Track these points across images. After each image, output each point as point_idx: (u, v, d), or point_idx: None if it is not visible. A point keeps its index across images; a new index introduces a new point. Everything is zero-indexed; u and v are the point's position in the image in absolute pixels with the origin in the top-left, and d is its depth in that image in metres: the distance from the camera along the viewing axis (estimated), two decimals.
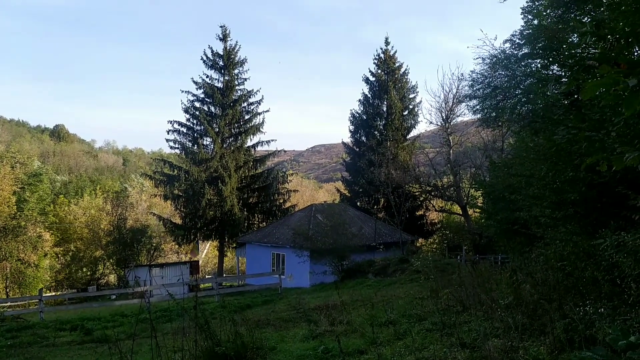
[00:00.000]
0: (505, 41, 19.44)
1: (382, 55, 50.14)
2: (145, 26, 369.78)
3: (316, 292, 25.88)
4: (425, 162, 49.87)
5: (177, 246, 54.95)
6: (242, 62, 47.47)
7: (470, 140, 49.63)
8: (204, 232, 45.84)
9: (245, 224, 46.14)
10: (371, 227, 38.23)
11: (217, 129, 46.01)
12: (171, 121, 45.51)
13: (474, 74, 24.15)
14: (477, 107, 24.09)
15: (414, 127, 51.26)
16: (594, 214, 9.97)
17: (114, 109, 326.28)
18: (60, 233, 51.14)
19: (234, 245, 46.47)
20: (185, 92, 46.30)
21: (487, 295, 8.58)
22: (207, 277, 47.53)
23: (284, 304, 19.19)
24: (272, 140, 48.39)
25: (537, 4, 15.91)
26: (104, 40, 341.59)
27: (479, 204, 33.45)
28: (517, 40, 18.24)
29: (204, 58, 46.66)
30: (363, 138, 50.06)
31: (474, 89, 23.79)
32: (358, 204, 48.21)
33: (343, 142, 54.21)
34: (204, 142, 45.78)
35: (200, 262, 52.30)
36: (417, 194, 46.85)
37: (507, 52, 19.22)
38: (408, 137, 51.03)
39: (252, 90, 47.82)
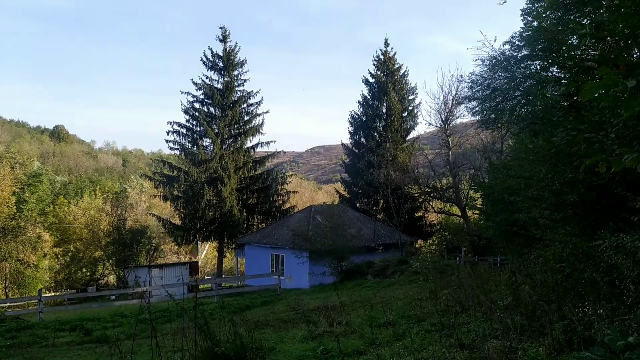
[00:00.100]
0: (505, 43, 19.46)
1: (381, 56, 50.17)
2: (145, 27, 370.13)
3: (315, 293, 25.88)
4: (425, 163, 49.85)
5: (176, 247, 54.95)
6: (241, 63, 47.50)
7: (469, 141, 49.62)
8: (203, 233, 45.82)
9: (245, 225, 46.12)
10: (370, 228, 38.24)
11: (217, 130, 46.02)
12: (171, 122, 45.53)
13: (473, 76, 24.17)
14: (477, 108, 24.12)
15: (414, 129, 51.32)
16: (593, 216, 9.99)
17: (113, 109, 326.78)
18: (60, 234, 51.15)
19: (233, 246, 46.45)
20: (185, 93, 46.37)
21: (486, 297, 8.59)
22: (206, 277, 47.49)
23: (283, 305, 19.18)
24: (272, 142, 48.34)
25: (536, 5, 15.95)
26: (104, 40, 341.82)
27: (478, 206, 33.46)
28: (517, 42, 18.26)
29: (204, 59, 46.69)
30: (362, 139, 50.05)
31: (474, 90, 23.80)
32: (357, 205, 48.18)
33: (342, 144, 54.24)
34: (204, 143, 45.77)
35: (199, 262, 52.26)
36: (416, 195, 46.85)
37: (507, 53, 19.24)
38: (407, 138, 51.05)
39: (252, 91, 47.88)
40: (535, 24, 15.50)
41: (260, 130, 47.61)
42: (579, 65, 9.75)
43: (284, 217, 44.23)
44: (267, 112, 50.23)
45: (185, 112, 46.01)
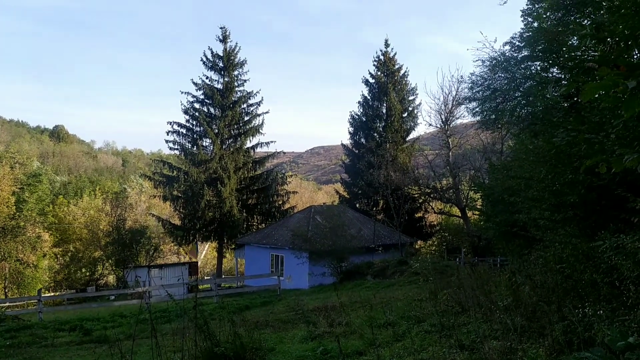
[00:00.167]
0: (505, 43, 19.42)
1: (381, 57, 50.19)
2: (145, 27, 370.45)
3: (315, 293, 25.87)
4: (425, 164, 49.85)
5: (176, 247, 54.98)
6: (241, 64, 47.53)
7: (469, 142, 49.62)
8: (203, 233, 45.83)
9: (244, 225, 46.13)
10: (370, 228, 38.23)
11: (217, 130, 46.03)
12: (171, 122, 45.59)
13: (473, 76, 24.12)
14: (477, 109, 24.09)
15: (414, 129, 51.35)
16: (593, 217, 9.98)
17: (113, 109, 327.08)
18: (60, 233, 51.14)
19: (233, 246, 46.45)
20: (185, 93, 46.42)
21: (486, 297, 8.59)
22: (206, 278, 47.51)
23: (282, 305, 19.17)
24: (272, 142, 48.37)
25: (537, 6, 15.93)
26: (104, 40, 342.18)
27: (478, 206, 33.44)
28: (517, 43, 18.24)
29: (204, 59, 46.71)
30: (362, 140, 50.06)
31: (474, 91, 23.77)
32: (357, 205, 48.18)
33: (342, 144, 54.26)
34: (204, 143, 45.78)
35: (199, 263, 52.27)
36: (416, 196, 46.85)
37: (507, 54, 19.21)
38: (407, 139, 51.06)
39: (252, 91, 47.93)
40: (535, 24, 15.49)
41: (260, 130, 47.67)
42: (579, 66, 9.75)
43: (284, 218, 44.22)
44: (267, 112, 50.35)
45: (185, 112, 46.04)
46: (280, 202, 48.41)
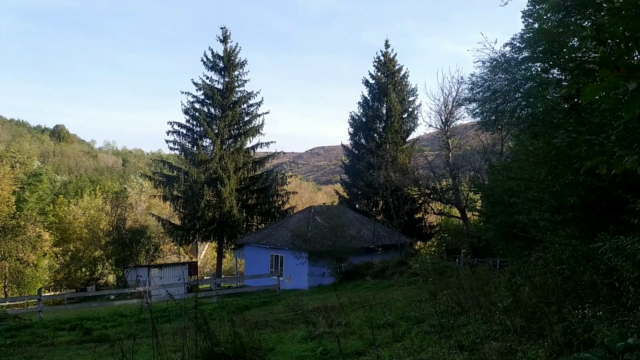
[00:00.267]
0: (506, 45, 19.42)
1: (382, 57, 50.18)
2: (145, 27, 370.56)
3: (314, 293, 25.87)
4: (425, 165, 49.85)
5: (176, 247, 55.00)
6: (242, 64, 47.55)
7: (469, 143, 49.63)
8: (202, 233, 45.84)
9: (244, 226, 46.15)
10: (370, 229, 38.23)
11: (217, 131, 46.05)
12: (171, 122, 45.60)
13: (473, 77, 24.12)
14: (477, 110, 24.09)
15: (414, 130, 51.31)
16: (593, 218, 9.99)
17: (114, 109, 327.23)
18: (60, 233, 51.17)
19: (233, 246, 46.45)
20: (185, 93, 46.45)
21: (485, 298, 8.60)
22: (205, 278, 47.50)
23: (282, 306, 19.18)
24: (272, 142, 48.40)
25: (537, 7, 15.93)
26: (105, 40, 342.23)
27: (478, 207, 33.46)
28: (518, 44, 18.23)
29: (204, 59, 46.73)
30: (362, 140, 50.05)
31: (474, 92, 23.77)
32: (357, 206, 48.17)
33: (342, 145, 54.27)
34: (204, 144, 45.80)
35: (198, 263, 52.28)
36: (416, 196, 46.84)
37: (507, 55, 19.20)
38: (407, 139, 51.03)
39: (252, 92, 47.94)
40: (536, 25, 15.49)
41: (260, 130, 47.69)
42: (579, 68, 9.76)
43: (284, 218, 44.23)
44: (267, 112, 50.30)
45: (186, 112, 46.07)
46: (280, 203, 48.43)
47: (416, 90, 53.79)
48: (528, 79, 17.52)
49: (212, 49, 46.82)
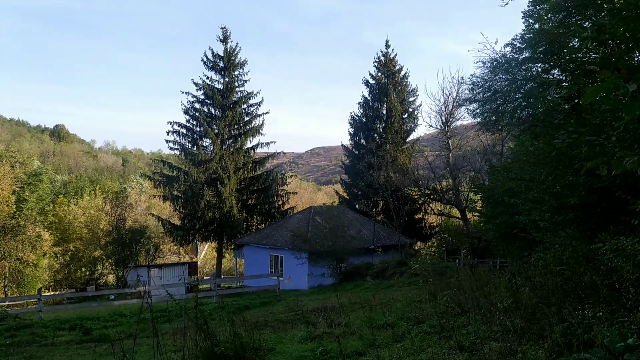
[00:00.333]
0: (506, 45, 19.42)
1: (382, 58, 50.17)
2: (145, 27, 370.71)
3: (314, 294, 25.87)
4: (425, 165, 49.84)
5: (176, 247, 55.01)
6: (242, 64, 47.54)
7: (469, 143, 49.61)
8: (202, 233, 45.84)
9: (244, 226, 46.15)
10: (370, 229, 38.23)
11: (217, 131, 46.04)
12: (171, 122, 45.61)
13: (474, 78, 24.12)
14: (477, 110, 24.09)
15: (414, 131, 51.29)
16: (593, 219, 9.99)
17: (114, 109, 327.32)
18: (60, 233, 51.16)
19: (233, 246, 46.44)
20: (186, 93, 46.45)
21: (485, 299, 8.59)
22: (205, 278, 47.52)
23: (282, 306, 19.17)
24: (272, 142, 48.39)
25: (538, 8, 15.92)
26: (105, 40, 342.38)
27: (478, 208, 33.43)
28: (518, 44, 18.23)
29: (205, 59, 46.73)
30: (362, 141, 50.04)
31: (474, 92, 23.77)
32: (357, 206, 48.16)
33: (342, 145, 54.28)
34: (204, 144, 45.80)
35: (198, 263, 52.29)
36: (416, 197, 46.84)
37: (508, 56, 19.20)
38: (407, 140, 51.01)
39: (252, 92, 47.95)
40: (536, 26, 15.49)
41: (260, 131, 47.68)
42: (580, 68, 9.76)
43: (284, 218, 44.22)
44: (267, 112, 50.31)
45: (186, 112, 46.07)
46: (280, 203, 48.42)
47: (416, 91, 53.82)
48: (528, 80, 17.52)
49: (212, 49, 46.89)
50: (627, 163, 3.22)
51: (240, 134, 47.27)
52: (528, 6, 16.53)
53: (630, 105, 2.81)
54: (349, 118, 50.66)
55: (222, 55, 46.88)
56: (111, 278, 49.54)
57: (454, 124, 46.48)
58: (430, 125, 47.84)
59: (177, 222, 47.23)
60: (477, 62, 22.59)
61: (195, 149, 45.33)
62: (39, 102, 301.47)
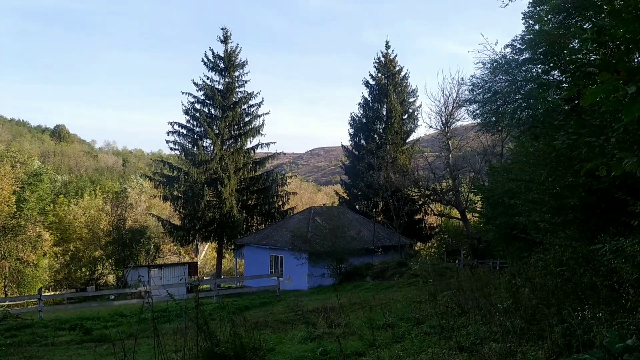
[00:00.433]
0: (506, 46, 19.46)
1: (382, 58, 50.17)
2: (146, 27, 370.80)
3: (314, 294, 25.87)
4: (425, 166, 49.84)
5: (176, 247, 55.01)
6: (242, 65, 47.55)
7: (469, 144, 49.61)
8: (202, 233, 45.83)
9: (244, 226, 46.14)
10: (370, 230, 38.23)
11: (217, 131, 46.05)
12: (171, 122, 45.60)
13: (474, 79, 24.17)
14: (477, 111, 24.13)
15: (414, 131, 51.23)
16: (593, 220, 9.99)
17: (114, 109, 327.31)
18: (60, 233, 51.18)
19: (233, 247, 46.44)
20: (186, 93, 46.45)
21: (485, 300, 8.60)
22: (205, 278, 47.49)
23: (282, 306, 19.18)
24: (272, 143, 48.38)
25: (538, 9, 15.95)
26: (105, 40, 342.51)
27: (478, 209, 33.43)
28: (518, 45, 18.26)
29: (205, 60, 46.74)
30: (362, 141, 50.02)
31: (474, 93, 23.81)
32: (357, 207, 48.15)
33: (342, 145, 54.26)
34: (204, 144, 45.80)
35: (198, 263, 52.29)
36: (416, 197, 46.82)
37: (508, 57, 19.23)
38: (407, 140, 50.99)
39: (253, 92, 47.95)
40: (536, 27, 15.52)
41: (261, 131, 47.69)
42: (580, 70, 9.77)
43: (284, 219, 44.23)
44: (267, 113, 50.34)
45: (186, 112, 46.07)
46: (280, 203, 48.42)
47: (416, 91, 53.83)
48: (528, 81, 17.55)
49: (212, 50, 46.90)
50: (627, 164, 3.24)
51: (240, 135, 47.27)
52: (528, 7, 16.57)
53: (630, 107, 2.82)
54: (349, 119, 50.70)
55: (222, 55, 46.88)
56: (111, 278, 49.55)
57: (454, 125, 46.51)
58: (430, 126, 47.92)
59: (177, 222, 47.23)
60: (477, 63, 22.73)
61: (195, 149, 45.33)
62: (39, 102, 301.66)
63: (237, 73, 47.33)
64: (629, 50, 4.39)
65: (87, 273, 50.16)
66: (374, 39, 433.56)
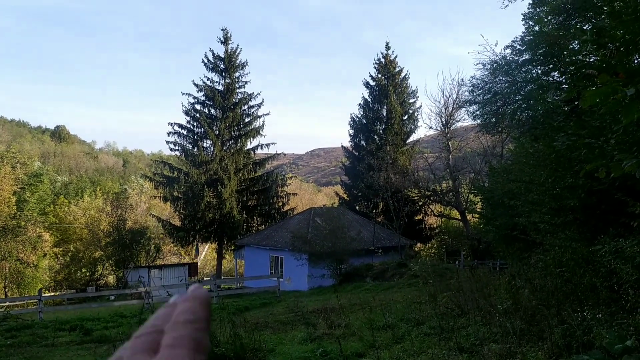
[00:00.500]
0: (506, 47, 19.50)
1: (382, 59, 50.18)
2: (146, 28, 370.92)
3: (314, 295, 25.87)
4: (425, 166, 49.83)
5: (176, 248, 54.98)
6: (242, 65, 47.52)
7: (469, 145, 49.64)
8: (203, 234, 45.81)
9: (244, 227, 46.12)
10: (370, 231, 38.22)
11: (217, 132, 46.03)
12: (171, 123, 45.55)
13: (474, 80, 24.20)
14: (477, 112, 24.16)
15: (414, 132, 51.21)
16: (593, 221, 10.00)
17: (114, 110, 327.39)
18: (60, 233, 51.18)
19: (233, 247, 46.39)
20: (186, 94, 46.41)
21: (485, 300, 8.62)
22: (205, 279, 47.47)
23: (282, 307, 19.18)
24: (272, 144, 48.35)
25: (538, 10, 15.97)
26: (106, 41, 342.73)
27: (478, 209, 33.42)
28: (518, 47, 18.28)
29: (205, 61, 46.73)
30: (363, 142, 50.03)
31: (474, 94, 23.84)
32: (357, 208, 48.16)
33: (342, 146, 54.26)
34: (204, 145, 45.77)
35: (199, 264, 52.26)
36: (416, 198, 46.81)
37: (508, 58, 19.26)
38: (407, 141, 50.98)
39: (253, 93, 47.93)
40: (536, 28, 15.53)
41: (261, 132, 47.67)
42: (580, 71, 9.78)
43: (284, 219, 44.21)
44: (267, 114, 50.31)
45: (186, 113, 46.05)
46: (280, 204, 48.40)
47: (417, 92, 53.76)
48: (528, 82, 17.56)
49: (212, 51, 46.86)
50: (626, 166, 3.25)
51: (240, 135, 47.26)
52: (528, 8, 16.59)
53: (629, 109, 2.83)
54: (349, 119, 50.72)
55: (222, 56, 46.87)
56: (111, 279, 49.50)
57: (454, 126, 46.51)
58: (430, 127, 47.86)
59: (177, 223, 47.20)
60: (477, 64, 22.72)
61: (195, 150, 45.30)
62: (39, 103, 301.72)
63: (237, 74, 47.33)
64: (629, 51, 4.40)
65: (87, 274, 50.12)
66: (374, 39, 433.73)
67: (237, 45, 48.07)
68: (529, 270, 9.39)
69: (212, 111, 46.81)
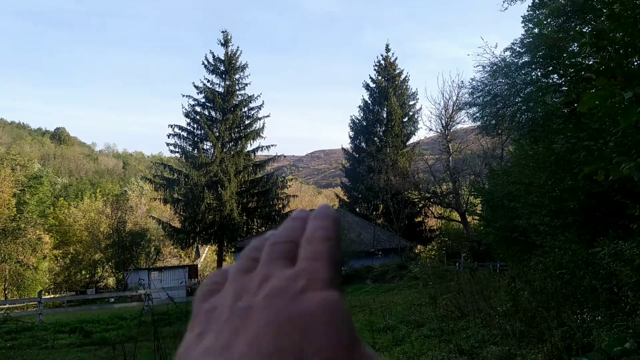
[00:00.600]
0: (506, 49, 19.52)
1: (382, 61, 50.24)
2: (147, 30, 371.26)
3: None
4: (425, 168, 49.87)
5: (177, 250, 54.97)
6: (243, 67, 47.55)
7: (469, 147, 49.63)
8: (203, 236, 45.77)
9: (244, 229, 46.08)
10: (370, 233, 38.24)
11: (218, 134, 46.03)
12: (172, 125, 45.60)
13: (474, 82, 24.22)
14: (477, 114, 24.19)
15: (414, 134, 51.32)
16: (592, 223, 10.01)
17: (115, 112, 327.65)
18: (60, 236, 51.18)
19: (233, 249, 46.38)
20: (186, 96, 46.42)
21: (485, 303, 8.62)
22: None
23: None
24: (272, 145, 48.41)
25: (537, 13, 15.99)
26: (107, 43, 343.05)
27: (478, 211, 33.42)
28: (518, 49, 18.30)
29: (205, 63, 46.76)
30: (363, 144, 50.08)
31: (474, 96, 23.86)
32: (357, 209, 48.20)
33: (343, 148, 54.27)
34: (204, 147, 45.78)
35: (199, 266, 52.23)
36: (416, 200, 46.83)
37: (508, 60, 19.28)
38: (408, 143, 51.04)
39: (253, 95, 47.96)
40: (536, 30, 15.54)
41: (261, 134, 47.67)
42: (579, 73, 9.80)
43: (284, 221, 44.12)
44: (267, 116, 50.29)
45: (187, 115, 46.06)
46: (280, 206, 48.38)
47: (416, 94, 53.82)
48: (528, 84, 17.58)
49: (213, 53, 46.91)
50: (624, 169, 3.26)
51: (240, 137, 47.26)
52: (528, 11, 16.62)
53: (627, 112, 2.84)
54: (350, 121, 50.84)
55: (222, 58, 46.91)
56: (111, 281, 49.50)
57: (454, 128, 46.58)
58: (431, 129, 47.93)
59: (177, 225, 47.16)
60: (477, 66, 22.68)
61: (195, 152, 45.30)
62: (39, 105, 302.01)
63: (237, 76, 47.36)
64: (628, 54, 4.42)
65: (87, 276, 50.11)
66: (374, 41, 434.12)
67: (238, 47, 48.11)
68: (529, 272, 9.40)
69: (213, 113, 46.82)
